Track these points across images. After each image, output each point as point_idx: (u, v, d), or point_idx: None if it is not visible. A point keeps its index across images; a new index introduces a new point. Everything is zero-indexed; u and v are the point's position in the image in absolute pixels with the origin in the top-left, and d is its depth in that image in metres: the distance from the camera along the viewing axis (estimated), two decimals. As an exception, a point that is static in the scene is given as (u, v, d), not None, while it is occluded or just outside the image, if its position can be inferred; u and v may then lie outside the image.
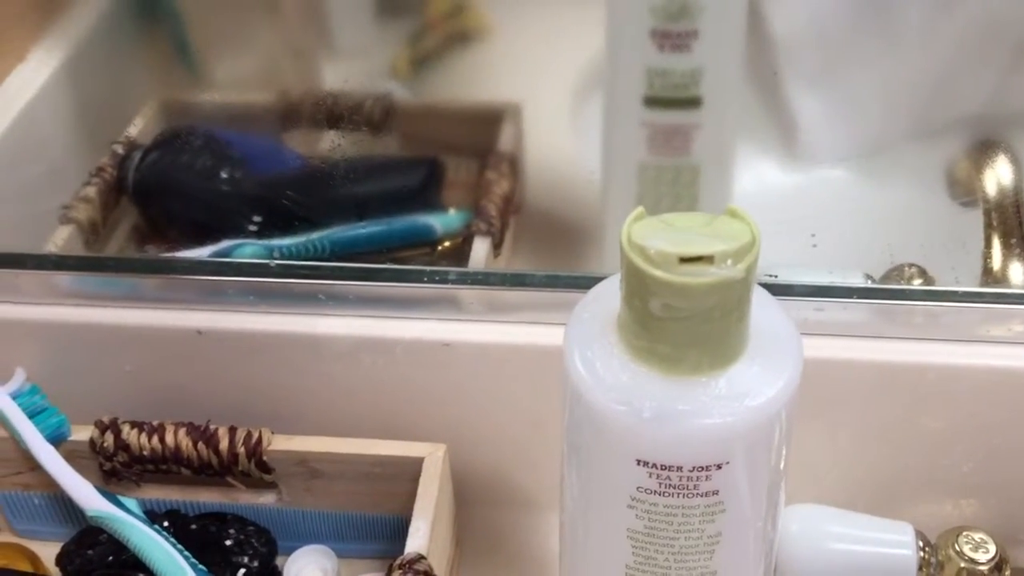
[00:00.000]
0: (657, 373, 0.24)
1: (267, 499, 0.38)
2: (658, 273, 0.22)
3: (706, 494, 0.24)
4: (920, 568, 0.32)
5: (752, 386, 0.24)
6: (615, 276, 0.25)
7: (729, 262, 0.22)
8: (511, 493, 0.40)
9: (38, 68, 0.45)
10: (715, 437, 0.24)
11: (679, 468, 0.24)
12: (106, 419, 0.37)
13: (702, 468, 0.24)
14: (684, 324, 0.23)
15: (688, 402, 0.23)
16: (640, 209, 0.24)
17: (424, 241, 0.44)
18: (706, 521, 0.25)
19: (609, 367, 0.24)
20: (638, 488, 0.25)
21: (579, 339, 0.25)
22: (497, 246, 0.43)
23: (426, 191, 0.46)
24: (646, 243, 0.23)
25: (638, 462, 0.24)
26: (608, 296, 0.25)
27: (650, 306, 0.23)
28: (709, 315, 0.23)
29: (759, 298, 0.25)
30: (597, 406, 0.24)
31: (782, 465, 0.26)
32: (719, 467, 0.24)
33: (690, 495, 0.24)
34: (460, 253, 0.42)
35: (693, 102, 0.38)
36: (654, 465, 0.24)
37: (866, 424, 0.37)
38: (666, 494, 0.24)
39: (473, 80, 0.49)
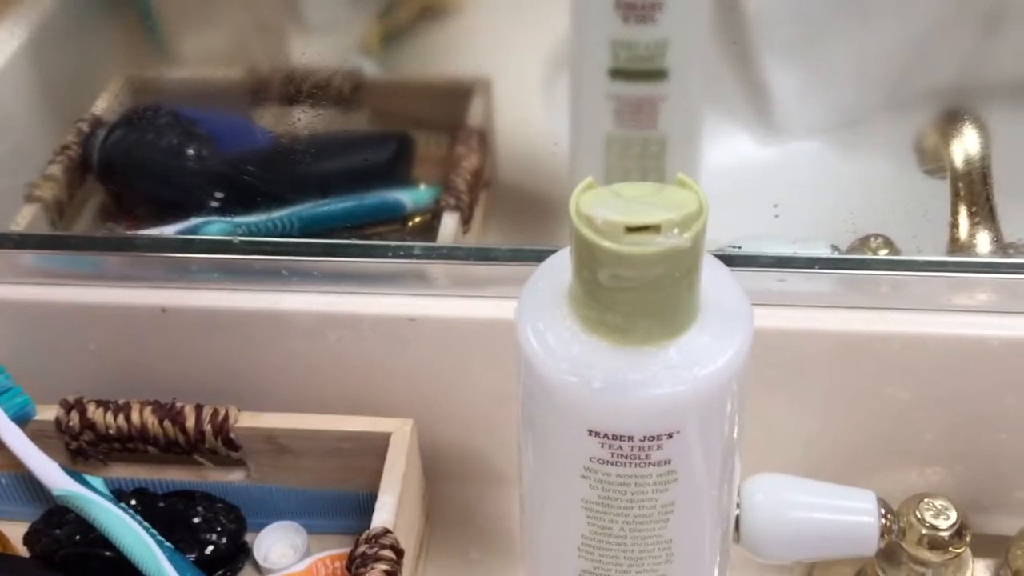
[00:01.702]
0: (607, 343, 0.24)
1: (235, 476, 0.38)
2: (605, 243, 0.22)
3: (658, 463, 0.24)
4: (882, 535, 0.32)
5: (702, 355, 0.24)
6: (566, 249, 0.25)
7: (676, 231, 0.22)
8: (480, 468, 0.40)
9: (1, 45, 0.45)
10: (665, 406, 0.24)
11: (630, 438, 0.24)
12: (71, 398, 0.37)
13: (653, 438, 0.24)
14: (633, 294, 0.23)
15: (638, 372, 0.23)
16: (589, 179, 0.24)
17: (394, 217, 0.44)
18: (659, 490, 0.25)
19: (560, 338, 0.24)
20: (591, 458, 0.25)
21: (530, 311, 0.25)
22: (466, 221, 0.42)
23: (396, 166, 0.45)
24: (594, 213, 0.23)
25: (590, 432, 0.24)
26: (559, 268, 0.25)
27: (599, 276, 0.23)
28: (658, 284, 0.23)
29: (710, 268, 0.25)
30: (548, 377, 0.24)
31: (736, 434, 0.26)
32: (670, 436, 0.24)
33: (642, 464, 0.24)
34: (430, 229, 0.42)
35: (659, 74, 0.38)
36: (605, 435, 0.24)
37: (831, 394, 0.37)
38: (618, 464, 0.24)
39: (443, 55, 0.49)
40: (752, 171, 0.46)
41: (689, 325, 0.24)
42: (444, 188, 0.43)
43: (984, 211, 0.40)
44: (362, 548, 0.33)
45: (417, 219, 0.44)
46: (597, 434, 0.24)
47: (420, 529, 0.39)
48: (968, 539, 0.33)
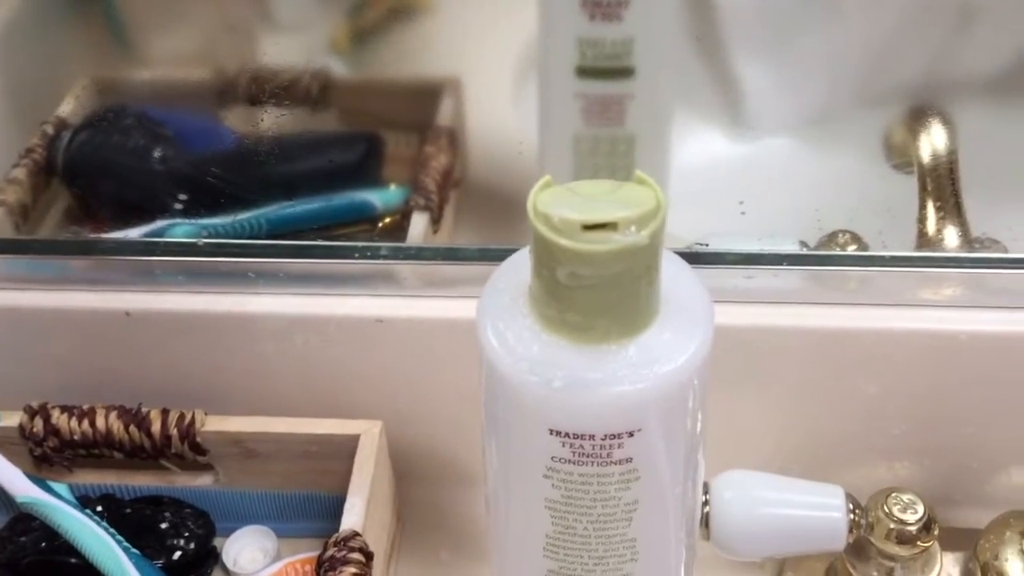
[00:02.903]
0: (567, 342, 0.24)
1: (204, 481, 0.38)
2: (562, 241, 0.22)
3: (620, 461, 0.24)
4: (850, 530, 0.32)
5: (662, 353, 0.24)
6: (527, 247, 0.24)
7: (633, 228, 0.22)
8: (451, 468, 0.40)
9: (-36, 47, 0.44)
10: (626, 405, 0.24)
11: (591, 436, 0.24)
12: (35, 404, 0.37)
13: (614, 436, 0.24)
14: (591, 292, 0.23)
15: (598, 370, 0.23)
16: (547, 177, 0.24)
17: (364, 218, 0.44)
18: (622, 489, 0.25)
19: (520, 338, 0.24)
20: (552, 458, 0.24)
21: (491, 310, 0.25)
22: (436, 221, 0.42)
23: (365, 167, 0.45)
24: (551, 211, 0.22)
25: (551, 431, 0.24)
26: (521, 267, 0.25)
27: (557, 275, 0.23)
28: (616, 282, 0.23)
29: (670, 265, 0.25)
30: (509, 377, 0.24)
31: (698, 431, 0.26)
32: (631, 434, 0.24)
33: (604, 463, 0.24)
34: (400, 229, 0.42)
35: (626, 72, 0.38)
36: (567, 434, 0.24)
37: (800, 390, 0.37)
38: (580, 463, 0.24)
39: (412, 54, 0.49)
40: (722, 168, 0.46)
41: (649, 323, 0.24)
42: (414, 188, 0.42)
43: (951, 206, 0.40)
44: (331, 551, 0.33)
45: (387, 219, 0.44)
46: (558, 433, 0.24)
47: (391, 530, 0.38)
48: (936, 533, 0.33)
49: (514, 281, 0.25)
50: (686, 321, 0.24)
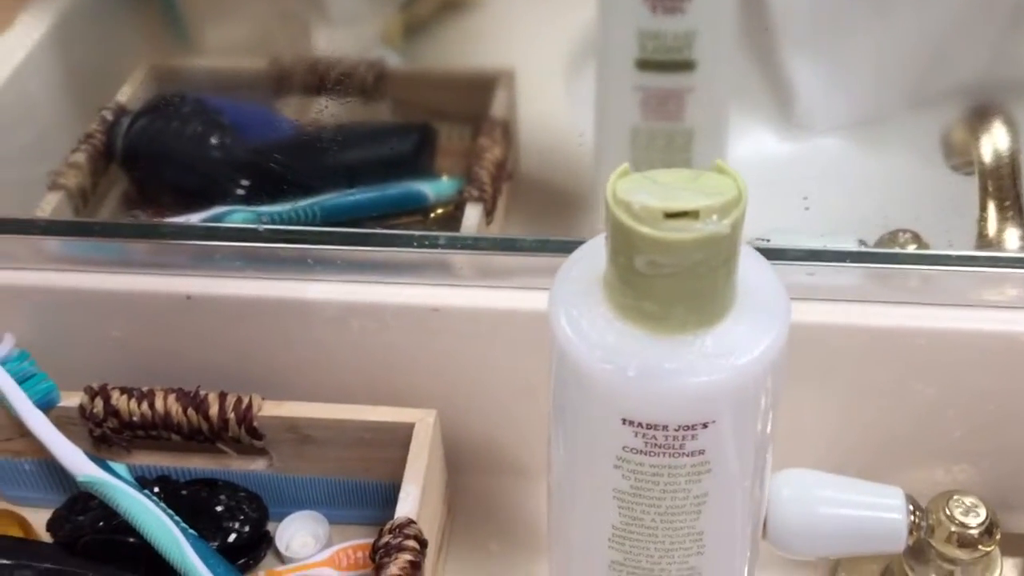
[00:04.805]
0: (643, 331, 0.23)
1: (258, 465, 0.38)
2: (643, 229, 0.22)
3: (692, 453, 0.24)
4: (910, 532, 0.32)
5: (738, 344, 0.24)
6: (601, 236, 0.24)
7: (715, 217, 0.22)
8: (503, 459, 0.40)
9: (26, 34, 0.45)
10: (701, 396, 0.23)
11: (665, 427, 0.24)
12: (95, 385, 0.37)
13: (688, 427, 0.24)
14: (670, 281, 0.23)
15: (674, 360, 0.23)
16: (625, 165, 0.24)
17: (416, 208, 0.44)
18: (692, 481, 0.25)
19: (594, 326, 0.24)
20: (624, 448, 0.24)
21: (564, 298, 0.25)
22: (489, 212, 0.42)
23: (418, 158, 0.45)
24: (631, 198, 0.22)
25: (624, 421, 0.24)
26: (594, 255, 0.25)
27: (635, 263, 0.23)
28: (695, 271, 0.23)
29: (747, 257, 0.24)
30: (582, 365, 0.24)
31: (769, 424, 0.26)
32: (705, 426, 0.24)
33: (676, 455, 0.24)
34: (453, 220, 0.42)
35: (686, 65, 0.38)
36: (640, 424, 0.24)
37: (858, 389, 0.37)
38: (652, 453, 0.24)
39: (466, 46, 0.49)
40: (775, 166, 0.46)
41: (725, 314, 0.24)
42: (467, 180, 0.43)
43: (1013, 207, 0.40)
44: (386, 538, 0.33)
45: (440, 210, 0.44)
46: (631, 423, 0.24)
47: (441, 520, 0.39)
48: (998, 537, 0.33)
49: (587, 269, 0.25)
50: (762, 313, 0.24)
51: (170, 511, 0.35)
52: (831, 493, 0.33)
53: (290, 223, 0.42)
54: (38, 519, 0.38)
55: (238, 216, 0.42)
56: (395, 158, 0.45)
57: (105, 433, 0.37)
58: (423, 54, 0.49)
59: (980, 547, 0.33)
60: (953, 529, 0.33)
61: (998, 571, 0.34)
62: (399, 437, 0.36)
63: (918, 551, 0.34)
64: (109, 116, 0.44)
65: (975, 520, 0.33)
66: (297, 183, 0.43)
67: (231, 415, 0.36)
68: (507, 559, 0.39)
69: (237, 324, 0.38)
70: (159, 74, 0.46)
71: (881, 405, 0.37)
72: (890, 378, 0.36)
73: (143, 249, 0.38)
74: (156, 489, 0.37)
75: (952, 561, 0.33)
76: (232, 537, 0.36)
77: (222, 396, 0.37)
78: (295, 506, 0.39)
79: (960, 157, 0.43)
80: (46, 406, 0.37)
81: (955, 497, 0.33)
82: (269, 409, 0.37)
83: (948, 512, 0.33)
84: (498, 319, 0.37)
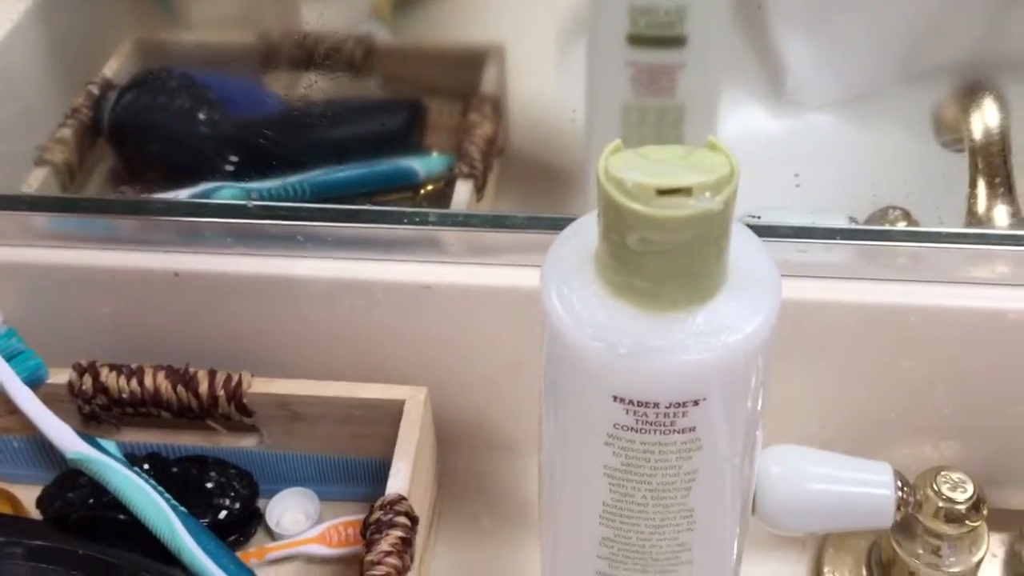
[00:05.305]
0: (634, 309, 0.23)
1: (248, 442, 0.38)
2: (635, 205, 0.22)
3: (683, 431, 0.24)
4: (898, 508, 0.32)
5: (730, 322, 0.24)
6: (593, 213, 0.24)
7: (707, 194, 0.22)
8: (493, 436, 0.40)
9: (11, 6, 0.44)
10: (692, 373, 0.23)
11: (656, 404, 0.24)
12: (84, 362, 0.37)
13: (679, 404, 0.24)
14: (661, 258, 0.23)
15: (665, 338, 0.23)
16: (617, 142, 0.23)
17: (406, 184, 0.44)
18: (683, 458, 0.25)
19: (586, 303, 0.24)
20: (615, 425, 0.24)
21: (556, 275, 0.25)
22: (480, 189, 0.42)
23: (408, 134, 0.45)
24: (623, 175, 0.22)
25: (614, 398, 0.24)
26: (585, 232, 0.25)
27: (627, 240, 0.23)
28: (687, 249, 0.23)
29: (739, 235, 0.24)
30: (573, 342, 0.24)
31: (760, 402, 0.26)
32: (696, 403, 0.24)
33: (667, 432, 0.24)
34: (443, 197, 0.42)
35: (678, 41, 0.37)
36: (631, 402, 0.24)
37: (848, 366, 0.37)
38: (643, 431, 0.24)
39: (456, 21, 0.48)
40: (766, 143, 0.46)
41: (717, 291, 0.24)
42: (458, 156, 0.42)
43: (1003, 184, 0.40)
44: (377, 514, 0.33)
45: (430, 187, 0.44)
46: (622, 400, 0.24)
47: (432, 497, 0.39)
48: (985, 513, 0.33)
49: (579, 246, 0.25)
50: (753, 291, 0.24)
51: (160, 488, 0.35)
52: (820, 469, 0.33)
53: (279, 199, 0.42)
54: (28, 496, 0.38)
55: (226, 192, 0.42)
56: (385, 134, 0.44)
57: (94, 410, 0.37)
58: (413, 29, 0.48)
59: (967, 522, 0.33)
60: (940, 504, 0.33)
61: (984, 546, 0.34)
62: (390, 414, 0.36)
63: (906, 527, 0.34)
64: (95, 91, 0.44)
65: (962, 496, 0.33)
66: (286, 159, 0.43)
67: (221, 392, 0.36)
68: (498, 535, 0.39)
69: (226, 301, 0.38)
70: (145, 48, 0.46)
71: (870, 382, 0.37)
72: (879, 355, 0.36)
73: (131, 225, 0.38)
74: (146, 466, 0.37)
75: (939, 536, 0.33)
76: (223, 514, 0.36)
77: (212, 373, 0.37)
78: (285, 483, 0.39)
79: (951, 134, 0.43)
80: (34, 383, 0.36)
81: (943, 473, 0.33)
82: (259, 386, 0.37)
83: (936, 488, 0.33)
84: (489, 296, 0.37)
